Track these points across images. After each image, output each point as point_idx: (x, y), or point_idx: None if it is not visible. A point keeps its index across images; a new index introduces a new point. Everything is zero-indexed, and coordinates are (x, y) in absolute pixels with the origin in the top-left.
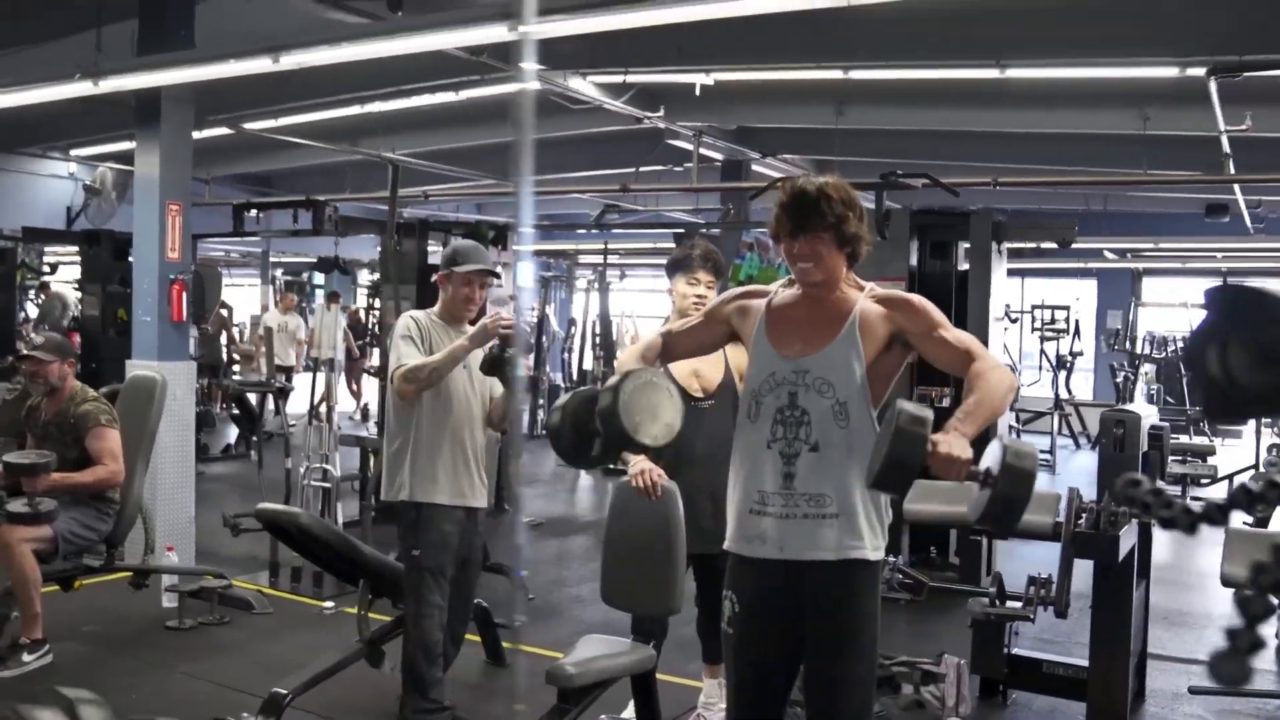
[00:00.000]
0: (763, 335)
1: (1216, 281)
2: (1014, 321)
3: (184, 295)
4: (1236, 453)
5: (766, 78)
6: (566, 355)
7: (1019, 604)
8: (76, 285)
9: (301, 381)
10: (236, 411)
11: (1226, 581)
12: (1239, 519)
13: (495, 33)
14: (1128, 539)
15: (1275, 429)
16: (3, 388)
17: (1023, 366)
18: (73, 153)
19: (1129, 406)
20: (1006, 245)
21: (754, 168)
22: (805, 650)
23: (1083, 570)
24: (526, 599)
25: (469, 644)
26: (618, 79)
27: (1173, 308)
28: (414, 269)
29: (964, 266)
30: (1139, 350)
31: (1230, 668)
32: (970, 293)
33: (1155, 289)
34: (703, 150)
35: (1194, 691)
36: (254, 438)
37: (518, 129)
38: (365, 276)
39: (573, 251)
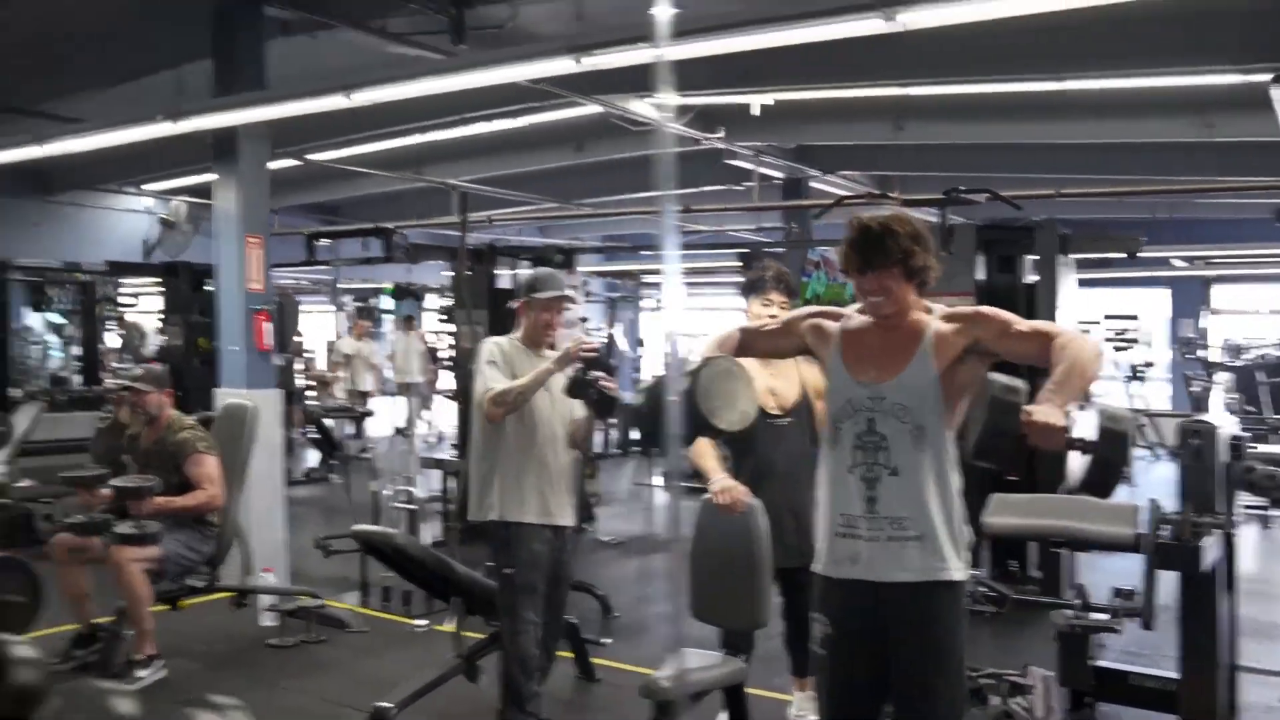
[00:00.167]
0: (839, 361)
1: None
2: (1086, 333)
3: (266, 325)
4: None
5: (825, 96)
6: (637, 375)
7: (1104, 616)
8: (160, 316)
9: (376, 405)
10: (317, 436)
11: None
12: None
13: (562, 65)
14: (1211, 550)
15: None
16: (92, 417)
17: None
18: (145, 187)
19: (1206, 416)
20: (1074, 256)
21: (814, 185)
22: (894, 670)
23: (1168, 582)
24: (612, 616)
25: (559, 660)
26: (678, 101)
27: (1247, 315)
28: (484, 293)
29: (1031, 279)
30: (1214, 359)
31: None
32: (1038, 305)
33: (1228, 296)
34: (762, 169)
35: None
36: (333, 461)
37: (658, 157)
38: (430, 302)
39: (637, 271)
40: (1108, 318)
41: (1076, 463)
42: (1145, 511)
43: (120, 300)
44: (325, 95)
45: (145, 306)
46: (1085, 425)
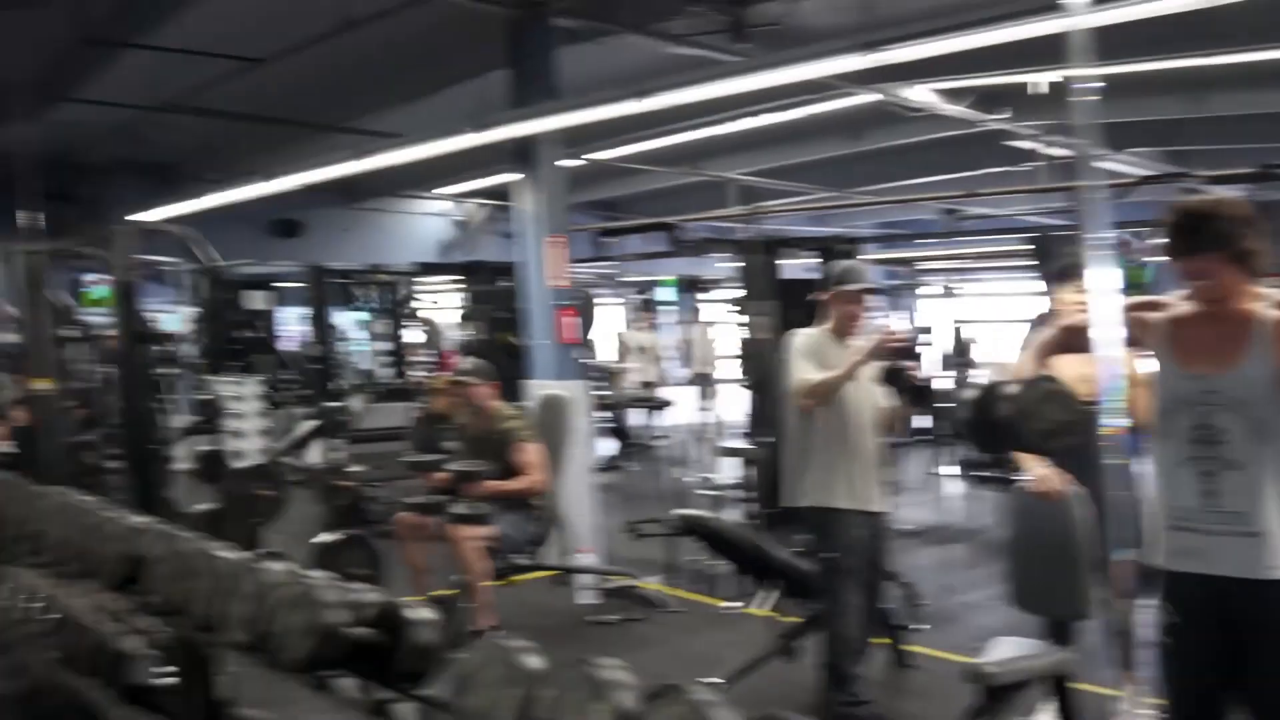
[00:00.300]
0: (1168, 353)
1: None
2: None
3: (571, 319)
4: None
5: (1116, 71)
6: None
7: None
8: (460, 312)
9: (670, 395)
10: (613, 426)
11: None
12: None
13: (851, 61)
14: None
15: None
16: (402, 408)
17: None
18: (438, 191)
19: None
20: None
21: (1102, 164)
22: (1250, 672)
23: None
24: (919, 604)
25: (873, 646)
26: (957, 85)
27: None
28: (770, 285)
29: None
30: None
31: None
32: None
33: None
34: (1046, 150)
35: None
36: (630, 449)
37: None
38: (706, 293)
39: (914, 259)
40: None
41: None
42: None
43: (419, 299)
44: (620, 101)
45: (438, 304)
46: None
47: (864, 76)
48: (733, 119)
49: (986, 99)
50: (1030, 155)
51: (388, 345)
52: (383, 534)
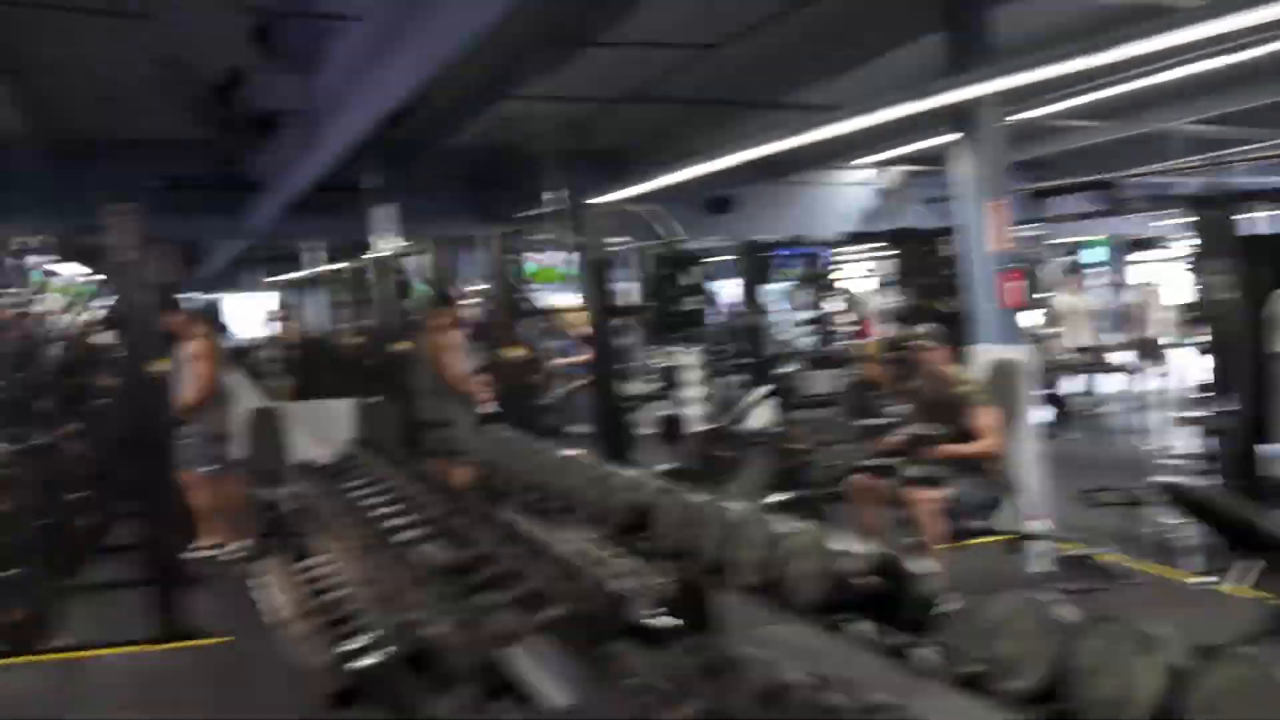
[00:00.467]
0: None
1: None
2: None
3: (1014, 284)
4: None
5: None
6: None
7: None
8: (884, 280)
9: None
10: (1049, 392)
11: None
12: None
13: None
14: None
15: None
16: (829, 375)
17: None
18: (857, 161)
19: None
20: None
21: None
22: None
23: None
24: None
25: None
26: None
27: None
28: (1231, 242)
29: None
30: None
31: None
32: None
33: None
34: None
35: None
36: (1066, 416)
37: None
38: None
39: None
40: None
41: None
42: None
43: (840, 268)
44: (1067, 58)
45: (858, 274)
46: None
47: None
48: (1181, 64)
49: None
50: None
51: (810, 315)
52: (827, 496)
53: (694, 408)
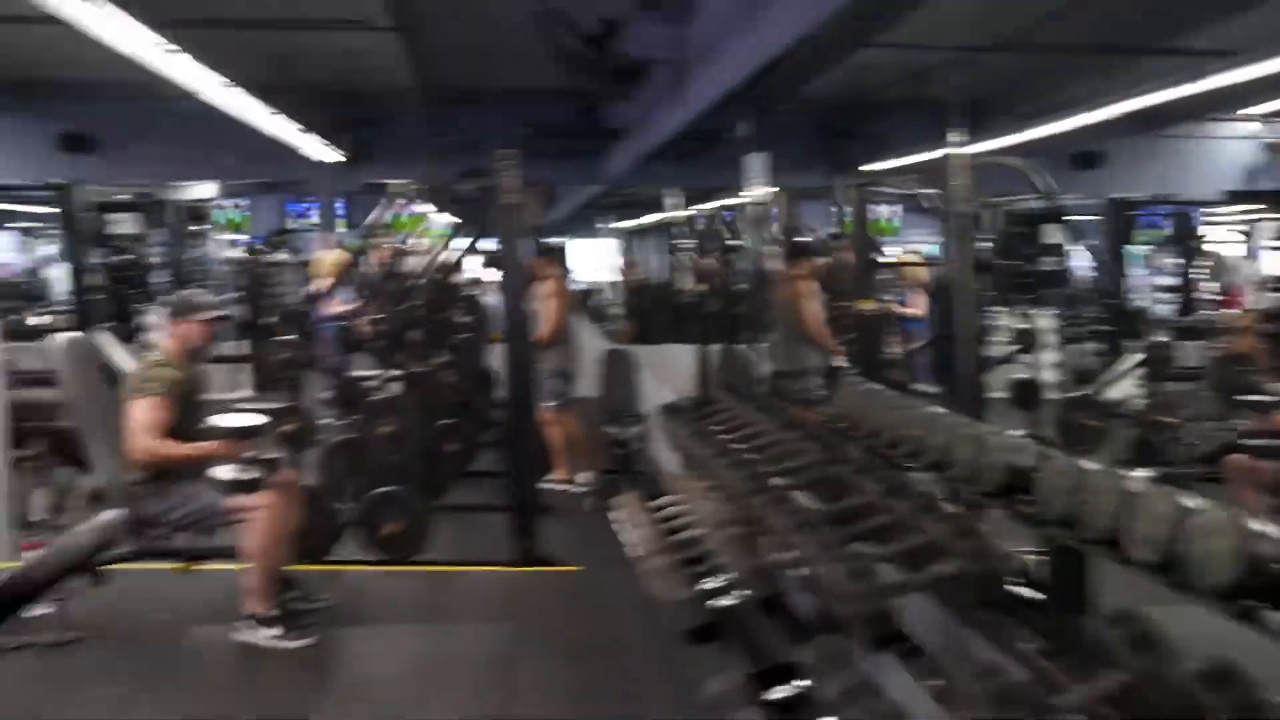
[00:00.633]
0: None
1: None
2: None
3: None
4: None
5: None
6: None
7: None
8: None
9: None
10: None
11: None
12: None
13: None
14: None
15: None
16: (1195, 346)
17: None
18: (1242, 112)
19: None
20: None
21: None
22: None
23: None
24: None
25: None
26: None
27: None
28: None
29: None
30: None
31: None
32: None
33: None
34: None
35: None
36: None
37: None
38: None
39: None
40: None
41: None
42: None
43: (1212, 230)
44: None
45: (1227, 237)
46: None
47: None
48: None
49: None
50: None
51: (1173, 280)
52: (1197, 475)
53: (1048, 373)
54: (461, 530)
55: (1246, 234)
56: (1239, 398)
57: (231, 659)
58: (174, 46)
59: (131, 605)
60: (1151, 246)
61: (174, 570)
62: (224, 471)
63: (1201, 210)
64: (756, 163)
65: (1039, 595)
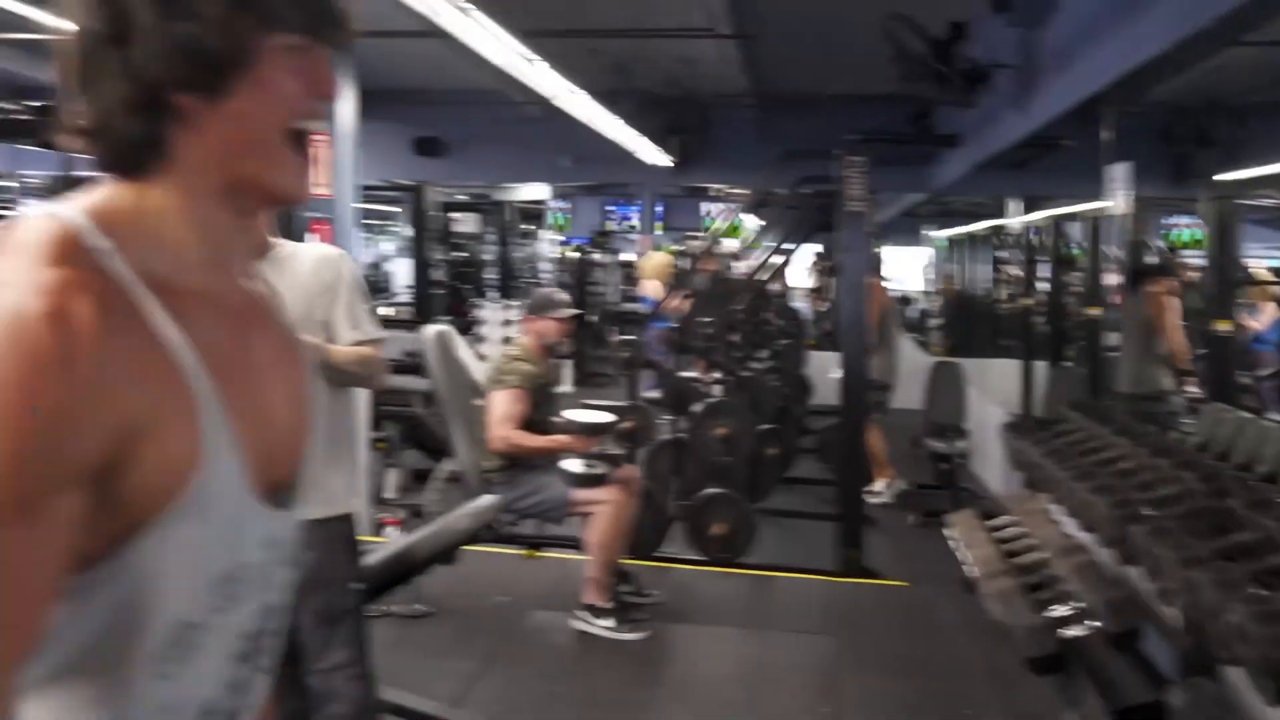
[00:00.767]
0: None
1: None
2: None
3: None
4: None
5: None
6: None
7: None
8: None
9: None
10: None
11: None
12: None
13: None
14: None
15: None
16: None
17: None
18: None
19: None
20: None
21: None
22: None
23: None
24: None
25: None
26: None
27: None
28: None
29: None
30: None
31: None
32: None
33: None
34: None
35: None
36: None
37: None
38: None
39: None
40: None
41: None
42: None
43: None
44: None
45: None
46: None
47: None
48: None
49: None
50: None
51: None
52: None
53: None
54: (782, 535)
55: None
56: None
57: (568, 645)
58: (533, 55)
59: (477, 585)
60: None
61: (523, 555)
62: (573, 465)
63: None
64: (1119, 172)
65: None
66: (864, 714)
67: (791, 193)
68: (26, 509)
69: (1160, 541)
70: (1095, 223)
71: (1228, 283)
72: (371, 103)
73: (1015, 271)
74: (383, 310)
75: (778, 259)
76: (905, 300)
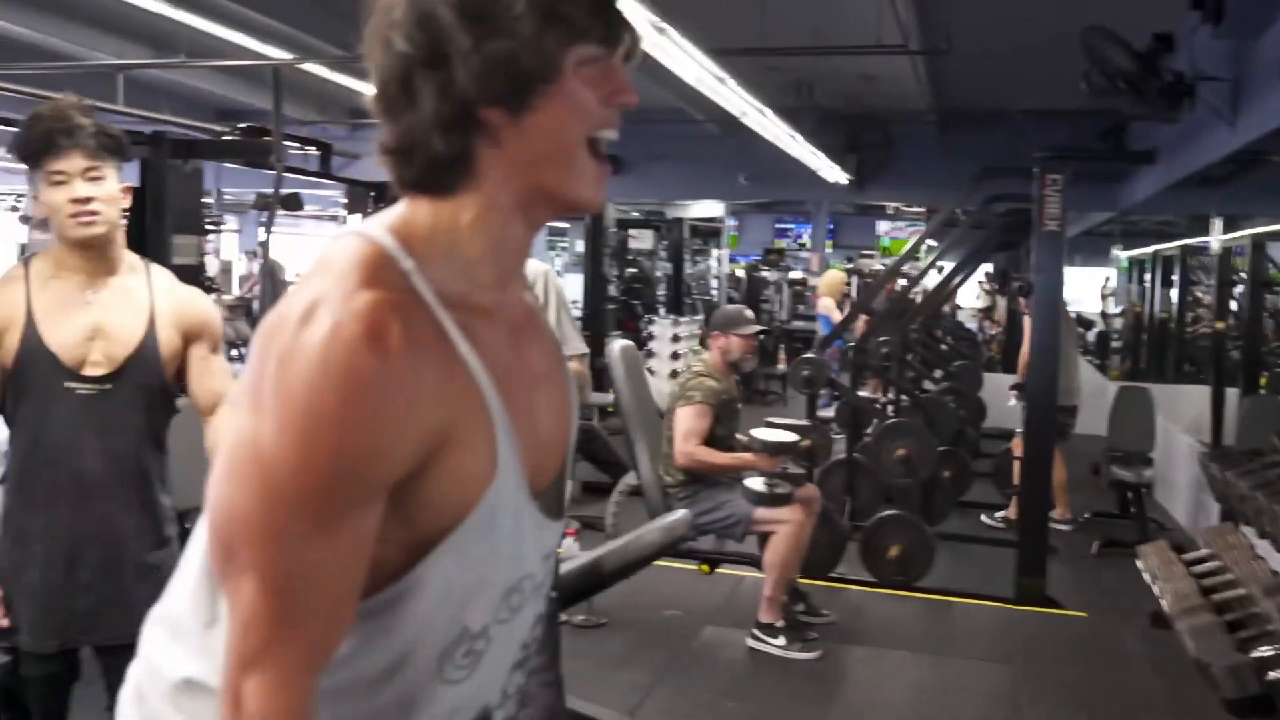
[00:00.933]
0: None
1: None
2: None
3: None
4: None
5: None
6: None
7: None
8: None
9: None
10: None
11: None
12: None
13: None
14: None
15: None
16: None
17: None
18: None
19: None
20: None
21: None
22: None
23: None
24: None
25: None
26: None
27: None
28: None
29: None
30: None
31: None
32: None
33: None
34: None
35: None
36: None
37: None
38: None
39: None
40: None
41: None
42: None
43: None
44: None
45: None
46: None
47: None
48: None
49: None
50: None
51: None
52: None
53: None
54: (956, 560)
55: None
56: None
57: (741, 661)
58: (724, 74)
59: (650, 598)
60: None
61: (700, 570)
62: (756, 483)
63: None
64: None
65: None
66: None
67: (980, 210)
68: (334, 521)
69: None
70: None
71: None
72: None
73: (1206, 294)
74: None
75: (955, 279)
76: (1083, 322)
